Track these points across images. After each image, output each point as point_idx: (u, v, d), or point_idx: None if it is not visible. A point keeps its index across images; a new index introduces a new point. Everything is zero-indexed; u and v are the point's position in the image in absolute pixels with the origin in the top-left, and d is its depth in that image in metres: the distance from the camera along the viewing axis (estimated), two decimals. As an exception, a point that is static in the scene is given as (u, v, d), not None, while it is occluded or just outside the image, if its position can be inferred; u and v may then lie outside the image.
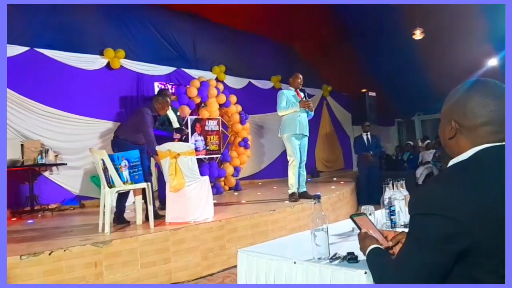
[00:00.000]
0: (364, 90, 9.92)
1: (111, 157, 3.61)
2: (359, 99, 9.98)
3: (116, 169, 3.61)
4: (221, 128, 7.27)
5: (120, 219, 4.00)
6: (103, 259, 3.08)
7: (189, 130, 6.50)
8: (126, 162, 3.65)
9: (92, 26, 6.30)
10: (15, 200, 5.28)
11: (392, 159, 10.52)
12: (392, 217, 1.92)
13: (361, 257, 1.36)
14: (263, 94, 8.71)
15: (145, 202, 3.91)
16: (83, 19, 6.16)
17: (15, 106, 5.38)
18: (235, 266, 1.76)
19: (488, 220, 0.90)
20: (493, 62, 9.22)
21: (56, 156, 5.69)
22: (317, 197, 1.55)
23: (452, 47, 8.61)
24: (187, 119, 6.58)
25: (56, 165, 5.68)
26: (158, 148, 3.97)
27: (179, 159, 3.83)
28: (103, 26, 6.47)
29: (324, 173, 10.26)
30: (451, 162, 1.05)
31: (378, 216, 1.97)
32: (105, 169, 3.61)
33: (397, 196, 1.95)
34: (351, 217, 1.51)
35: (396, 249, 1.34)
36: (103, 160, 3.59)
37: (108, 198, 3.56)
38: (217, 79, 7.70)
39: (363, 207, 1.92)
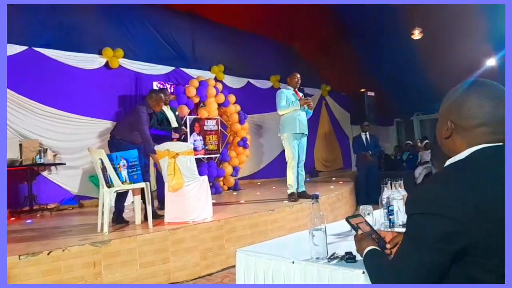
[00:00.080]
0: (363, 90, 9.94)
1: (109, 157, 3.61)
2: (358, 99, 9.99)
3: (115, 169, 3.61)
4: (220, 127, 7.27)
5: (119, 219, 4.00)
6: (102, 259, 3.08)
7: (188, 130, 6.50)
8: (125, 161, 3.65)
9: (91, 25, 6.30)
10: (14, 200, 5.28)
11: (391, 159, 10.53)
12: (390, 217, 1.92)
13: (359, 257, 1.36)
14: (262, 94, 8.71)
15: (144, 202, 3.91)
16: (82, 18, 6.16)
17: (14, 106, 5.38)
18: (234, 266, 1.77)
19: (486, 219, 0.90)
20: (491, 62, 9.24)
21: (55, 155, 5.69)
22: (315, 197, 1.56)
23: (451, 47, 8.62)
24: (185, 119, 6.58)
25: (55, 164, 5.68)
26: (156, 147, 3.97)
27: (178, 158, 3.83)
28: (101, 25, 6.47)
29: (323, 173, 10.27)
30: (448, 162, 1.06)
31: (377, 216, 1.98)
32: (104, 169, 3.61)
33: (396, 196, 1.95)
34: (347, 219, 1.51)
35: (394, 251, 1.34)
36: (101, 159, 3.59)
37: (107, 198, 3.56)
38: (216, 79, 7.70)
39: (361, 207, 1.92)
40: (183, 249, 3.55)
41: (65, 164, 5.73)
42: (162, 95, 4.34)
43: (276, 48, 9.29)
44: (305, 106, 4.95)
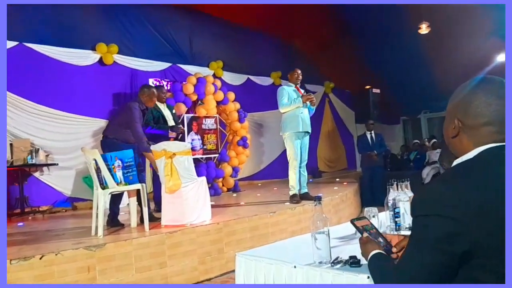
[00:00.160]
0: (368, 87, 9.93)
1: (104, 157, 3.62)
2: (362, 96, 9.99)
3: (109, 170, 3.61)
4: (218, 126, 7.28)
5: (113, 222, 4.00)
6: (96, 264, 3.09)
7: (186, 129, 6.51)
8: (120, 162, 3.66)
9: (84, 20, 6.31)
10: (4, 202, 5.28)
11: (397, 159, 10.54)
12: (396, 219, 1.92)
13: (364, 261, 1.37)
14: (263, 91, 8.72)
15: (140, 204, 3.92)
16: (75, 13, 6.17)
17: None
18: (234, 271, 1.77)
19: (488, 219, 0.91)
20: (502, 57, 9.23)
21: (47, 156, 5.69)
22: (318, 199, 1.56)
23: (460, 41, 8.61)
24: (183, 117, 6.59)
25: (47, 165, 5.68)
26: (153, 147, 3.97)
27: (175, 159, 3.83)
28: (95, 20, 6.48)
29: (326, 173, 10.28)
30: (455, 162, 1.07)
31: (382, 218, 1.98)
32: (98, 170, 3.62)
33: (402, 197, 1.95)
34: (352, 221, 1.52)
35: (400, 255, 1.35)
36: (95, 160, 3.60)
37: (101, 200, 3.57)
38: (214, 76, 7.71)
39: (366, 209, 1.92)
40: (180, 253, 3.55)
41: (57, 164, 5.74)
42: (154, 90, 4.35)
43: (277, 43, 9.30)
44: (308, 102, 4.94)
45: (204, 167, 6.62)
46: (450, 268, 0.96)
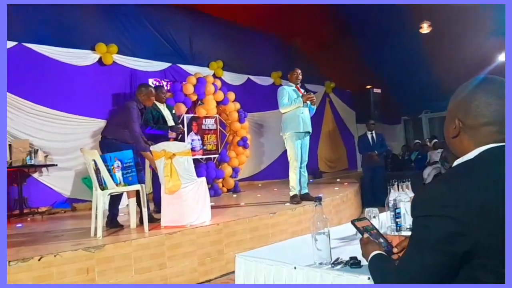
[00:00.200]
0: (368, 87, 9.93)
1: (103, 158, 3.62)
2: (363, 96, 9.98)
3: (109, 170, 3.61)
4: (218, 127, 7.28)
5: (113, 223, 4.00)
6: (96, 265, 3.09)
7: (185, 129, 6.51)
8: (119, 163, 3.66)
9: (84, 20, 6.31)
10: (3, 203, 5.28)
11: (398, 159, 10.53)
12: (397, 220, 1.92)
13: (365, 262, 1.37)
14: (263, 91, 8.72)
15: (139, 205, 3.92)
16: (74, 12, 6.17)
17: (3, 105, 5.39)
18: (234, 272, 1.77)
19: (491, 220, 0.92)
20: (503, 57, 9.23)
21: (46, 156, 5.69)
22: (318, 199, 1.56)
23: (461, 40, 8.61)
24: (183, 118, 6.59)
25: (46, 166, 5.69)
26: (152, 148, 3.97)
27: (175, 159, 3.84)
28: (94, 20, 6.48)
29: (326, 173, 10.28)
30: (455, 162, 1.07)
31: (383, 219, 1.98)
32: (97, 170, 3.62)
33: (403, 198, 1.96)
34: (352, 222, 1.52)
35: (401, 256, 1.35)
36: (94, 160, 3.60)
37: (101, 201, 3.57)
38: (214, 76, 7.71)
39: (366, 209, 1.93)
40: (180, 254, 3.56)
41: (56, 165, 5.74)
42: (152, 89, 4.34)
43: (277, 43, 9.30)
44: (308, 102, 4.94)
45: (204, 167, 6.62)
46: (451, 268, 0.96)
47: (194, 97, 6.88)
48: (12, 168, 5.22)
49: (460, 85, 1.13)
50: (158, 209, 4.42)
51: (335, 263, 1.47)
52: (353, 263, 1.43)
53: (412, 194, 2.00)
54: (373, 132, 7.88)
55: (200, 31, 7.95)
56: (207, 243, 3.76)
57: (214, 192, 6.50)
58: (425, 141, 10.95)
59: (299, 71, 5.11)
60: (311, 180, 7.50)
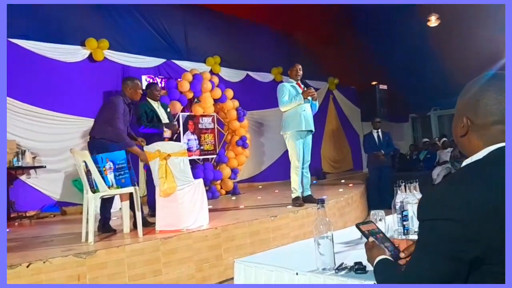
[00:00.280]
0: (374, 83, 9.94)
1: (94, 159, 3.62)
2: (368, 93, 10.00)
3: (100, 172, 3.62)
4: (216, 125, 7.28)
5: (105, 227, 4.01)
6: (87, 272, 3.09)
7: (181, 128, 6.52)
8: (111, 164, 3.66)
9: (72, 13, 6.31)
10: (-11, 207, 5.29)
11: (406, 159, 10.54)
12: (404, 223, 1.93)
13: (370, 267, 1.37)
14: (263, 88, 8.73)
15: (133, 209, 3.92)
16: (62, 6, 6.16)
17: (-12, 103, 5.40)
18: (233, 278, 1.78)
19: (502, 223, 0.91)
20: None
21: (34, 158, 5.70)
22: (321, 202, 1.56)
23: (472, 33, 8.60)
24: (178, 116, 6.59)
25: (34, 168, 5.69)
26: (146, 148, 3.98)
27: (170, 160, 3.84)
28: (84, 13, 6.48)
29: (330, 174, 10.29)
30: (464, 162, 1.07)
31: (390, 222, 1.99)
32: (88, 172, 3.62)
33: (410, 199, 1.96)
34: (357, 226, 1.52)
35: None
36: (85, 162, 3.60)
37: (92, 204, 3.57)
38: (211, 72, 7.71)
39: (372, 212, 1.93)
40: (176, 260, 3.56)
41: (45, 167, 5.75)
42: (138, 81, 4.29)
43: (278, 37, 9.30)
44: (309, 98, 4.94)
45: (201, 168, 6.63)
46: (459, 275, 0.96)
47: (190, 95, 6.88)
48: (-2, 170, 5.22)
49: (470, 80, 1.13)
50: (152, 213, 4.42)
51: (339, 268, 1.48)
52: (358, 268, 1.44)
53: (420, 196, 2.00)
54: (379, 130, 7.89)
55: (196, 25, 7.95)
56: (205, 248, 3.76)
57: (211, 194, 6.51)
58: (434, 139, 10.96)
59: (299, 67, 5.11)
60: (314, 182, 7.51)
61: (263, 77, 9.08)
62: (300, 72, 5.10)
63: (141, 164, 4.92)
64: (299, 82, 5.11)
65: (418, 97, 11.04)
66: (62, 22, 6.18)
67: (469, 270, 0.96)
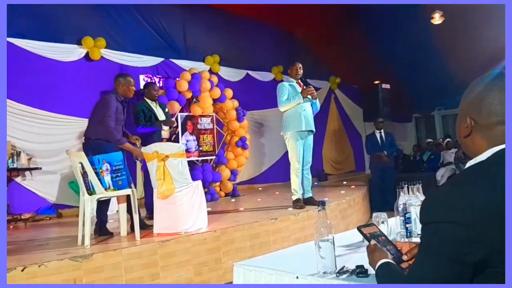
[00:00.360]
0: (377, 82, 9.94)
1: (90, 160, 3.62)
2: (371, 92, 10.00)
3: (97, 174, 3.62)
4: (215, 126, 7.28)
5: (102, 230, 4.01)
6: (83, 276, 3.09)
7: (180, 129, 6.52)
8: (108, 165, 3.66)
9: (69, 11, 6.31)
10: (-17, 209, 5.29)
11: (409, 160, 10.55)
12: (407, 225, 1.93)
13: (372, 271, 1.37)
14: (263, 88, 8.73)
15: (130, 211, 3.92)
16: (58, 4, 6.16)
17: (-18, 104, 5.40)
18: (232, 282, 1.78)
19: (501, 223, 0.91)
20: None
21: (29, 159, 5.70)
22: (322, 204, 1.56)
23: (477, 31, 8.60)
24: (177, 116, 6.59)
25: (30, 169, 5.69)
26: (144, 149, 3.98)
27: (168, 161, 3.84)
28: (81, 12, 6.48)
29: (332, 176, 10.29)
30: (468, 164, 1.07)
31: (392, 225, 1.99)
32: (84, 174, 3.62)
33: (413, 201, 1.96)
34: (359, 228, 1.52)
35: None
36: (81, 163, 3.60)
37: (88, 207, 3.57)
38: (210, 71, 7.72)
39: (374, 214, 1.93)
40: (174, 264, 3.56)
41: (41, 168, 5.75)
42: (130, 78, 4.26)
43: (278, 35, 9.31)
44: (309, 96, 4.93)
45: (200, 170, 6.63)
46: (463, 278, 0.96)
47: (189, 95, 6.89)
48: (-8, 172, 5.23)
49: (475, 79, 1.13)
50: (150, 215, 4.42)
51: (340, 272, 1.48)
52: (360, 272, 1.44)
53: (423, 198, 2.00)
54: (382, 131, 7.89)
55: (194, 23, 7.95)
56: (204, 252, 3.76)
57: (210, 196, 6.51)
58: (438, 140, 10.96)
59: (300, 65, 5.11)
60: (315, 183, 7.51)
61: (263, 76, 9.08)
62: (301, 71, 5.10)
63: (138, 166, 4.92)
64: (299, 81, 5.11)
65: (421, 96, 11.02)
66: (59, 21, 6.19)
67: (474, 273, 0.96)
